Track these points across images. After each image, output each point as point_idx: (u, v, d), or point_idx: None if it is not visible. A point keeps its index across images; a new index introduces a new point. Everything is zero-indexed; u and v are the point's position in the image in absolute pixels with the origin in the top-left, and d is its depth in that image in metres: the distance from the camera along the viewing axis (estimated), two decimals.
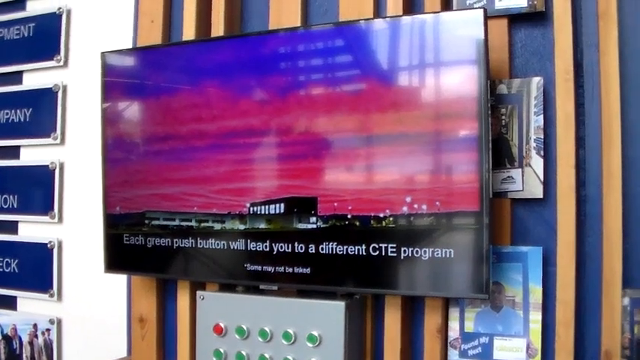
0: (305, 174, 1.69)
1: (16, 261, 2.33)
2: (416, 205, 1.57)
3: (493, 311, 1.66)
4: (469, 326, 1.68)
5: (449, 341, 1.70)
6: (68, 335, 2.29)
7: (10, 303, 2.37)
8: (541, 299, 1.62)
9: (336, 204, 1.64)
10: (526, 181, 1.64)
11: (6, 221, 2.36)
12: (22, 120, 2.34)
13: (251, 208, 1.74)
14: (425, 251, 1.57)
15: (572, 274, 1.58)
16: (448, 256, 1.55)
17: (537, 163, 1.63)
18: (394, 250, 1.59)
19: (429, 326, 1.70)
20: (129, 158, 1.93)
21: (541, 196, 1.63)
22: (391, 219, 1.59)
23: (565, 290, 1.58)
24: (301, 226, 1.68)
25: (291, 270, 1.70)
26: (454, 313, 1.70)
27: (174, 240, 1.84)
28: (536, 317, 1.62)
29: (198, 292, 1.83)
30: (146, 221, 1.88)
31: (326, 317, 1.67)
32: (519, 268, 1.64)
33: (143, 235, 1.89)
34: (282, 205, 1.70)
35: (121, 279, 2.12)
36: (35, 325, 2.31)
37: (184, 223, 1.82)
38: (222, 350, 1.78)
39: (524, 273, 1.63)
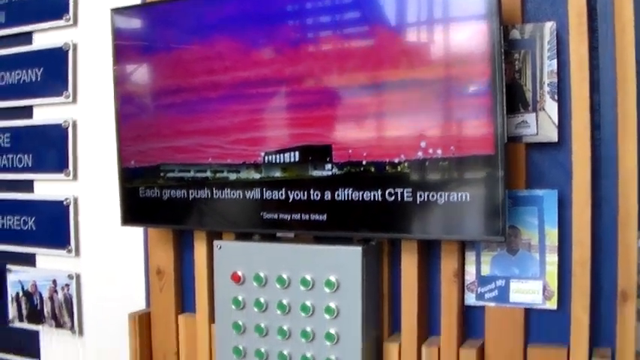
0: (319, 122, 1.69)
1: (33, 219, 2.35)
2: (431, 150, 1.57)
3: (509, 254, 1.67)
4: (485, 270, 1.69)
5: (465, 285, 1.71)
6: (87, 290, 2.32)
7: (29, 260, 2.40)
8: (557, 241, 1.63)
9: (350, 151, 1.65)
10: (540, 125, 1.63)
11: (22, 180, 2.38)
12: (33, 80, 2.35)
13: (266, 157, 1.74)
14: (440, 195, 1.57)
15: (587, 215, 1.58)
16: (464, 199, 1.55)
17: (551, 107, 1.62)
18: (410, 195, 1.59)
19: (445, 271, 1.72)
20: (142, 112, 1.93)
21: (556, 140, 1.63)
22: (406, 164, 1.59)
23: (581, 231, 1.59)
24: (316, 173, 1.69)
25: (307, 217, 1.71)
26: (470, 257, 1.71)
27: (190, 191, 1.85)
28: (552, 259, 1.63)
29: (215, 242, 1.85)
30: (161, 174, 1.89)
31: (343, 263, 1.68)
32: (535, 212, 1.64)
33: (159, 187, 1.90)
34: (297, 153, 1.70)
35: (137, 232, 2.14)
36: (54, 281, 2.34)
37: (199, 175, 1.83)
38: (240, 298, 1.81)
39: (539, 216, 1.64)
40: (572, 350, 1.61)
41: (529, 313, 1.69)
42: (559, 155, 1.64)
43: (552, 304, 1.64)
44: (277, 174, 1.73)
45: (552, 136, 1.63)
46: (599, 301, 1.62)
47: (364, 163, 1.64)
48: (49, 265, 2.37)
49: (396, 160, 1.60)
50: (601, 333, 1.63)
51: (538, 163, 1.67)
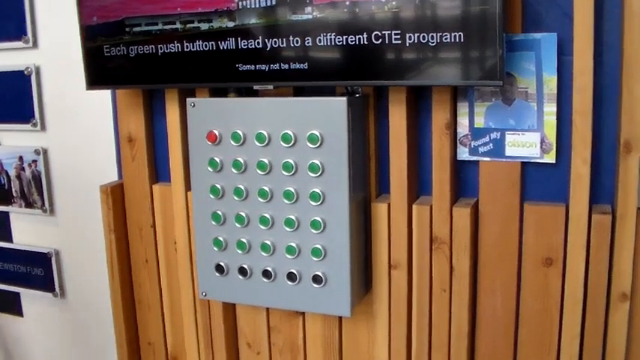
0: None
1: None
2: None
3: (504, 104, 1.57)
4: (479, 122, 1.60)
5: (458, 139, 1.62)
6: (56, 165, 2.24)
7: None
8: (556, 89, 1.53)
9: None
10: None
11: None
12: None
13: (240, 3, 1.60)
14: (432, 37, 1.44)
15: (589, 61, 1.47)
16: (458, 40, 1.43)
17: None
18: (399, 37, 1.47)
19: (436, 123, 1.62)
20: None
21: None
22: (394, 3, 1.46)
23: (582, 77, 1.48)
24: (295, 17, 1.55)
25: (286, 67, 1.58)
26: (463, 109, 1.60)
27: (159, 46, 1.71)
28: (550, 109, 1.54)
29: (188, 100, 1.73)
30: (127, 29, 1.74)
31: (327, 115, 1.58)
32: (532, 57, 1.53)
33: (125, 44, 1.75)
34: None
35: (105, 99, 2.02)
36: (21, 158, 2.25)
37: (168, 27, 1.69)
38: (217, 159, 1.71)
39: (537, 62, 1.53)
40: (571, 206, 1.55)
41: (526, 168, 1.61)
42: None
43: (550, 158, 1.56)
44: (253, 21, 1.60)
45: None
46: (600, 154, 1.54)
47: (347, 3, 1.50)
48: (14, 141, 2.27)
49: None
50: (600, 189, 1.57)
51: (535, 4, 1.54)
